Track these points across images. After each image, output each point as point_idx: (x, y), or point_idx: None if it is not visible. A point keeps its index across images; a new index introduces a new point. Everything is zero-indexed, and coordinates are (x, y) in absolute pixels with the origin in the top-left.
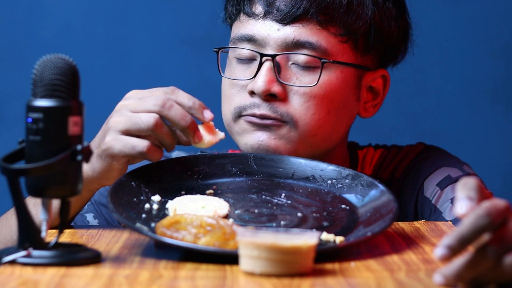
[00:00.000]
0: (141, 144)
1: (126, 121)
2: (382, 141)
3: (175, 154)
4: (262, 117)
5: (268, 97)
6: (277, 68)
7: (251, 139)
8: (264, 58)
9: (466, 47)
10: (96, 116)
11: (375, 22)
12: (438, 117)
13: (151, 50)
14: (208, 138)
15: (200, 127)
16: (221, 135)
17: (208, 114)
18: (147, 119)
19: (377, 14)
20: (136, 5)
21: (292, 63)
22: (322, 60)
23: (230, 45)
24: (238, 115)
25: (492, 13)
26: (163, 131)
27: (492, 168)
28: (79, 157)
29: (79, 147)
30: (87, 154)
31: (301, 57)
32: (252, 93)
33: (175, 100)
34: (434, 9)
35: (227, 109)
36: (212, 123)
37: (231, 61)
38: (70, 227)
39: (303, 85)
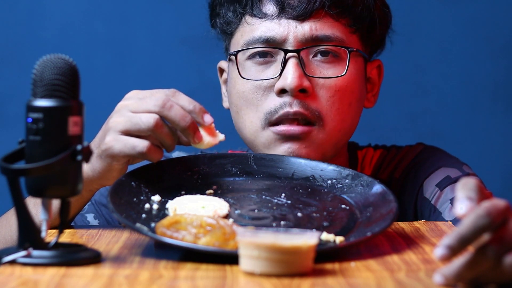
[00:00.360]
0: (141, 144)
1: (126, 121)
2: (382, 141)
3: (176, 154)
4: (295, 115)
5: (299, 93)
6: (302, 64)
7: (280, 150)
8: (288, 55)
9: (466, 47)
10: (96, 116)
11: (377, 12)
12: (438, 117)
13: (151, 50)
14: (208, 139)
15: (200, 128)
16: (221, 137)
17: (208, 118)
18: (147, 120)
19: (378, 4)
20: (136, 5)
21: (313, 57)
22: (349, 49)
23: (239, 50)
24: (269, 122)
25: (492, 13)
26: (163, 132)
27: (492, 168)
28: (79, 157)
29: (79, 147)
30: (87, 154)
31: (323, 49)
32: (281, 92)
33: (175, 102)
34: (435, 9)
35: (256, 116)
36: (213, 124)
37: (243, 64)
38: (70, 227)
39: (331, 76)
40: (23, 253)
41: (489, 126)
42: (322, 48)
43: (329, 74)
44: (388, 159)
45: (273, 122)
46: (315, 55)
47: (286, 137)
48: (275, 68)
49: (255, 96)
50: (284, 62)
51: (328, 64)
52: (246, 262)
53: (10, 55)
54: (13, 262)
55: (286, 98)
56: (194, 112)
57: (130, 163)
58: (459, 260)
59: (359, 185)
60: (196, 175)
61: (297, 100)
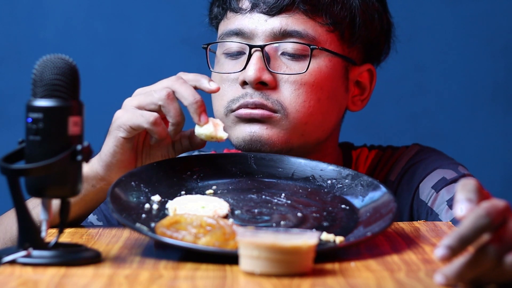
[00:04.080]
0: (150, 113)
1: (139, 98)
2: (382, 141)
3: None
4: (255, 105)
5: (259, 85)
6: (266, 58)
7: (243, 132)
8: (253, 49)
9: (466, 47)
10: (96, 116)
11: (360, 13)
12: (438, 117)
13: (151, 50)
14: (211, 129)
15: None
16: (224, 134)
17: (213, 85)
18: (161, 91)
19: (361, 6)
20: (136, 5)
21: (281, 53)
22: (311, 47)
23: (209, 43)
24: (231, 110)
25: (492, 13)
26: (174, 105)
27: (492, 168)
28: (79, 157)
29: (79, 147)
30: (87, 154)
31: (289, 45)
32: (243, 84)
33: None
34: (435, 8)
35: (220, 104)
36: (220, 124)
37: (219, 58)
38: (71, 226)
39: (293, 72)
40: (23, 253)
41: (489, 126)
42: (290, 45)
43: (295, 70)
44: (384, 160)
45: (233, 110)
46: (284, 53)
47: (248, 120)
48: (243, 62)
49: (221, 86)
50: (249, 56)
51: (295, 61)
52: (246, 262)
53: (10, 55)
54: (13, 262)
55: (248, 89)
56: (199, 80)
57: (138, 149)
58: (460, 260)
59: (359, 185)
60: (196, 175)
61: (257, 92)
